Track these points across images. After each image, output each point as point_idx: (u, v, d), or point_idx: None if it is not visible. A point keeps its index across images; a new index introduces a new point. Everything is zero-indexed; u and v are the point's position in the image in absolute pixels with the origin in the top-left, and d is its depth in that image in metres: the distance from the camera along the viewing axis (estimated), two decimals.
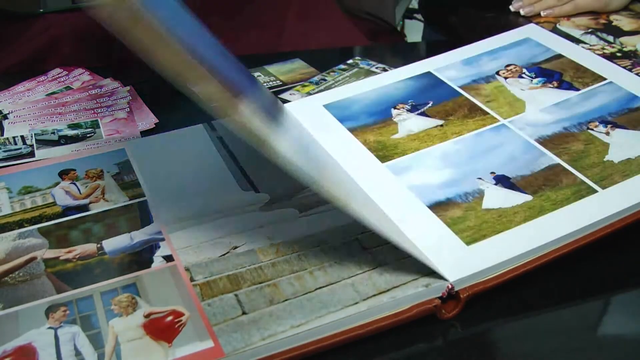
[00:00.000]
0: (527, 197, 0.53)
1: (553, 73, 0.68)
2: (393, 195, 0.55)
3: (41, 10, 0.86)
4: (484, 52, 0.73)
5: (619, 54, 0.73)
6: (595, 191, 0.53)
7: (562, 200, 0.52)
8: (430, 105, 0.65)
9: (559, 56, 0.71)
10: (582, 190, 0.53)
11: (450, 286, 0.47)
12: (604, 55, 0.72)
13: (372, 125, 0.64)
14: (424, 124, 0.63)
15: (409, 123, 0.63)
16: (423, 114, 0.64)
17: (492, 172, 0.56)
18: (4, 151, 0.66)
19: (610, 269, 0.52)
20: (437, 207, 0.53)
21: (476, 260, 0.48)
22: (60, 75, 0.83)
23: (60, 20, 0.86)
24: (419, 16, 1.60)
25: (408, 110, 0.65)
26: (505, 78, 0.68)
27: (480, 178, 0.55)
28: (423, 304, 0.46)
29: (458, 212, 0.52)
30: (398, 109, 0.65)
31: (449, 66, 0.71)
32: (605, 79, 0.66)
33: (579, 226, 0.50)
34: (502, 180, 0.55)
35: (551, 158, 0.57)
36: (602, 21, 0.82)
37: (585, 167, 0.55)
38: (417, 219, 0.52)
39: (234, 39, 0.93)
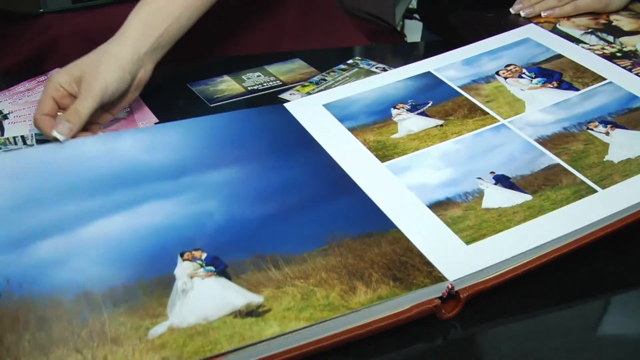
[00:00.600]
0: (527, 197, 0.53)
1: (553, 73, 0.68)
2: (393, 194, 0.55)
3: (41, 10, 0.86)
4: (484, 52, 0.73)
5: (619, 54, 0.73)
6: (595, 191, 0.53)
7: (561, 200, 0.52)
8: (430, 105, 0.65)
9: (559, 56, 0.71)
10: (581, 190, 0.53)
11: (450, 286, 0.47)
12: (604, 55, 0.72)
13: (371, 124, 0.64)
14: (423, 124, 0.63)
15: (408, 123, 0.63)
16: (423, 113, 0.64)
17: (491, 172, 0.56)
18: (5, 151, 0.66)
19: (610, 269, 0.52)
20: (437, 206, 0.53)
21: (476, 259, 0.48)
22: None
23: (60, 20, 0.86)
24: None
25: (408, 110, 0.65)
26: (505, 78, 0.68)
27: (480, 178, 0.55)
28: (423, 304, 0.46)
29: (458, 211, 0.52)
30: (398, 108, 0.65)
31: (449, 66, 0.71)
32: (605, 79, 0.66)
33: (579, 226, 0.50)
34: (502, 180, 0.55)
35: (551, 158, 0.57)
36: (602, 21, 0.82)
37: (585, 167, 0.55)
38: (416, 218, 0.52)
39: (234, 39, 0.93)
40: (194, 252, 0.49)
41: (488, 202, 0.53)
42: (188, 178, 0.57)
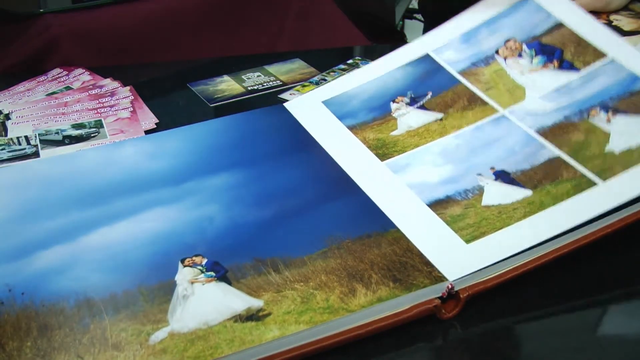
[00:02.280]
0: (527, 192, 0.53)
1: (553, 50, 0.67)
2: (393, 194, 0.55)
3: (41, 10, 0.86)
4: (482, 22, 0.70)
5: None
6: (595, 184, 0.53)
7: (562, 194, 0.52)
8: (429, 97, 0.65)
9: (560, 25, 0.68)
10: (582, 183, 0.53)
11: (450, 286, 0.47)
12: None
13: (371, 122, 0.64)
14: (423, 119, 0.63)
15: (408, 118, 0.63)
16: (422, 107, 0.64)
17: (491, 168, 0.56)
18: (9, 151, 0.66)
19: (610, 269, 0.52)
20: (437, 205, 0.53)
21: (476, 258, 0.48)
22: (60, 75, 0.83)
23: (60, 20, 0.87)
24: (419, 16, 1.60)
25: (407, 104, 0.65)
26: (505, 58, 0.67)
27: (480, 174, 0.55)
28: (423, 304, 0.46)
29: (458, 209, 0.52)
30: (397, 102, 0.65)
31: (447, 45, 0.69)
32: (606, 55, 0.64)
33: (579, 221, 0.50)
34: (502, 176, 0.55)
35: (551, 151, 0.56)
36: (602, 21, 0.82)
37: (586, 159, 0.55)
38: (416, 218, 0.52)
39: (234, 39, 0.93)
40: (194, 258, 0.49)
41: (488, 199, 0.53)
42: (189, 184, 0.57)
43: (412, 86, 0.67)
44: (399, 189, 0.55)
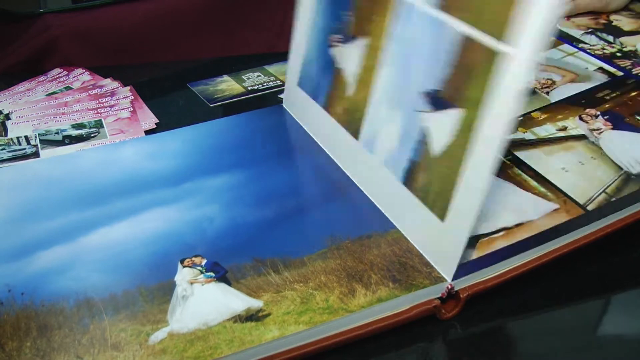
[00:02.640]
0: (459, 112, 0.46)
1: None
2: (375, 180, 0.54)
3: (41, 10, 0.86)
4: None
5: (619, 54, 0.74)
6: (500, 52, 0.43)
7: (483, 88, 0.44)
8: (347, 15, 0.59)
9: None
10: (490, 57, 0.44)
11: (450, 286, 0.47)
12: (604, 56, 0.72)
13: (330, 87, 0.61)
14: (354, 54, 0.58)
15: (348, 63, 0.59)
16: (350, 38, 0.59)
17: (425, 94, 0.50)
18: (9, 152, 0.66)
19: (610, 269, 0.52)
20: (409, 178, 0.51)
21: (454, 236, 0.46)
22: (60, 75, 0.83)
23: (60, 20, 0.86)
24: None
25: (340, 41, 0.60)
26: None
27: (419, 110, 0.50)
28: (423, 304, 0.46)
29: (422, 176, 0.49)
30: (333, 45, 0.61)
31: None
32: None
33: (504, 120, 0.42)
34: (435, 100, 0.49)
35: (456, 29, 0.47)
36: (602, 21, 0.82)
37: (484, 21, 0.45)
38: (398, 204, 0.52)
39: (233, 38, 0.93)
40: (194, 259, 0.49)
41: (434, 143, 0.49)
42: (188, 184, 0.57)
43: (328, 10, 0.62)
44: (378, 171, 0.54)
